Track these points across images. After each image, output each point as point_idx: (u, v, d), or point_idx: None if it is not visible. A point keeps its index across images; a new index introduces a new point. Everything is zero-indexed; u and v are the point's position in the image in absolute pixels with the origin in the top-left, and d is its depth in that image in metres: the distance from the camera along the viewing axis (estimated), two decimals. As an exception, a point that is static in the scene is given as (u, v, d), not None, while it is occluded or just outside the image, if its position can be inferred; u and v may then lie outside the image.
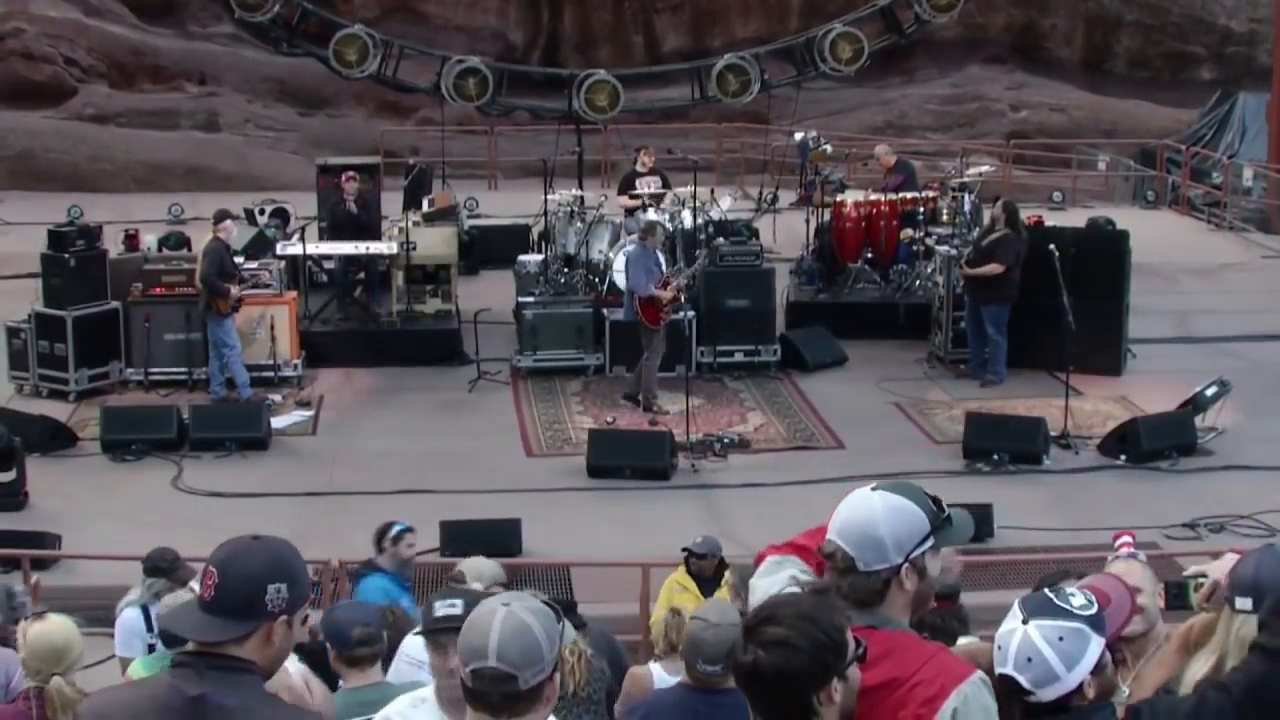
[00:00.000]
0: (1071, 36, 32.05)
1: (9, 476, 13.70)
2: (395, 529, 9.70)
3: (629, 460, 14.59)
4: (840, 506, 3.68)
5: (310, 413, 16.29)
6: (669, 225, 17.95)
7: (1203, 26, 31.88)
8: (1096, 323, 16.34)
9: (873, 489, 3.68)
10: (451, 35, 29.18)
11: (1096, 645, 3.50)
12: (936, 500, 3.70)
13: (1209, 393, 15.40)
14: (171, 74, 29.56)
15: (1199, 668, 4.18)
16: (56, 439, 15.10)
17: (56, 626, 6.16)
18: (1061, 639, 3.45)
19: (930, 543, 3.64)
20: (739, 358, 17.51)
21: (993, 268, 16.59)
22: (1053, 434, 15.07)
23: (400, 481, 14.30)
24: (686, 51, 29.47)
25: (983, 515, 12.92)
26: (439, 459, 14.98)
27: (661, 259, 16.21)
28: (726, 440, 15.28)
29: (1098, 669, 3.49)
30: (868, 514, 3.61)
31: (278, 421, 15.81)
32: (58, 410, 15.90)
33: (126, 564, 11.65)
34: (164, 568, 8.40)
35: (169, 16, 29.94)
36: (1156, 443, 14.79)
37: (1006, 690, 3.52)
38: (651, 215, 18.33)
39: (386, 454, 15.10)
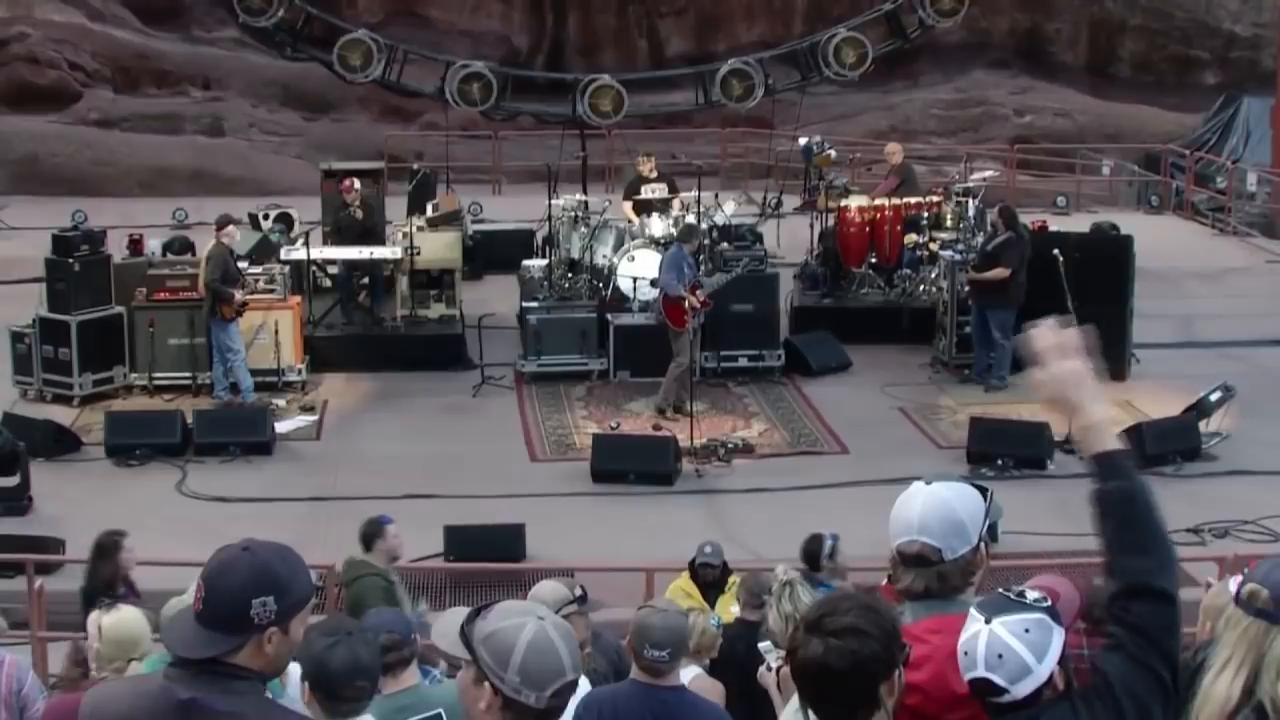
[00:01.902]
0: (1076, 40, 32.04)
1: (13, 481, 13.70)
2: (829, 542, 9.33)
3: (633, 465, 14.58)
4: (904, 509, 3.79)
5: (314, 417, 16.30)
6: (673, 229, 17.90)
7: (1207, 30, 31.87)
8: (1100, 327, 16.05)
9: (926, 483, 3.84)
10: (456, 39, 29.20)
11: (1059, 636, 3.53)
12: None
13: (1213, 397, 15.38)
14: (176, 78, 29.60)
15: (1224, 686, 4.09)
16: (60, 443, 15.11)
17: (131, 615, 6.28)
18: (1028, 630, 3.48)
19: (989, 518, 3.85)
20: (743, 362, 17.51)
21: (998, 272, 16.59)
22: (1057, 438, 15.05)
23: (404, 486, 14.30)
24: (690, 56, 29.46)
25: (987, 520, 12.91)
26: (443, 463, 14.98)
27: (693, 262, 16.11)
28: (731, 445, 15.27)
29: (1062, 660, 3.52)
30: (942, 503, 3.78)
31: (282, 426, 15.82)
32: (62, 415, 15.92)
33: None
34: (109, 548, 8.47)
35: (173, 21, 29.97)
36: (1160, 448, 14.77)
37: (975, 697, 3.53)
38: (655, 221, 18.34)
39: (390, 458, 15.10)
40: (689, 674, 7.11)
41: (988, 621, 3.49)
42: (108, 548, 9.41)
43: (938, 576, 3.75)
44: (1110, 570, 3.64)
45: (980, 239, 17.94)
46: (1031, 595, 3.58)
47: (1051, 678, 3.49)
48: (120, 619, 6.23)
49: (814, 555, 9.28)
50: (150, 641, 6.27)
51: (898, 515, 3.80)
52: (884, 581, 4.10)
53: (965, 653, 3.49)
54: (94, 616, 6.35)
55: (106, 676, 6.05)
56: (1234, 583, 4.87)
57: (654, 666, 5.85)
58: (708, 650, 7.61)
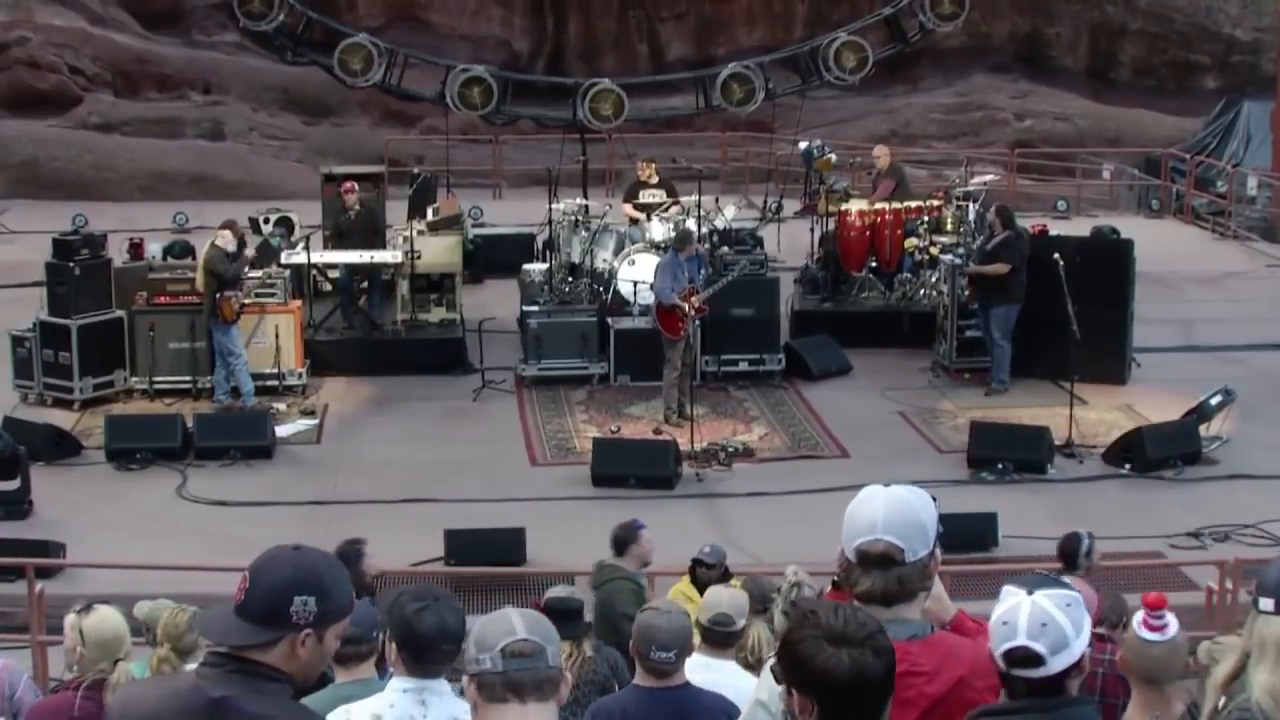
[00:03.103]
0: (1076, 45, 32.06)
1: (13, 485, 13.69)
2: (1086, 541, 9.14)
3: (633, 469, 14.57)
4: (865, 509, 3.73)
5: (314, 421, 16.29)
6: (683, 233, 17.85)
7: (1207, 35, 31.89)
8: (1101, 332, 16.34)
9: (885, 486, 3.78)
10: (456, 44, 29.22)
11: (1089, 620, 3.56)
12: None
13: (1213, 401, 15.38)
14: (176, 82, 29.59)
15: (1224, 667, 4.21)
16: (61, 447, 15.10)
17: (110, 615, 6.26)
18: (1068, 605, 3.50)
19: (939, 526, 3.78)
20: (744, 367, 17.49)
21: (998, 267, 16.58)
22: (1057, 443, 15.06)
23: (404, 490, 14.31)
24: (691, 60, 29.49)
25: (987, 524, 12.93)
26: (443, 468, 14.97)
27: (686, 269, 16.08)
28: (731, 449, 15.26)
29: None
30: (905, 504, 3.72)
31: (282, 430, 15.82)
32: (62, 419, 15.91)
33: (131, 572, 11.71)
34: (351, 557, 8.47)
35: (174, 25, 29.98)
36: (1161, 452, 14.76)
37: (1007, 670, 3.53)
38: (656, 225, 18.35)
39: (391, 462, 15.09)
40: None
41: (1030, 593, 3.51)
42: (350, 556, 9.16)
43: (898, 579, 3.68)
44: None
45: (979, 241, 17.94)
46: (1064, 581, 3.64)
47: (1081, 659, 3.51)
48: (100, 620, 6.20)
49: (1071, 554, 9.14)
50: (130, 641, 6.26)
51: (857, 515, 3.72)
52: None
53: (1005, 623, 3.49)
54: (72, 620, 6.33)
55: (90, 679, 6.05)
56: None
57: (661, 668, 5.85)
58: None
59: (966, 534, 12.37)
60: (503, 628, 3.40)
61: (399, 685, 4.75)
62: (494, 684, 3.36)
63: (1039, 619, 3.46)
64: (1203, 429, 15.21)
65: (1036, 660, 3.46)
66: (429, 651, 4.78)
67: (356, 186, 18.92)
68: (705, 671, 6.36)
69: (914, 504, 3.72)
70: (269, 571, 3.52)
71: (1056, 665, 3.47)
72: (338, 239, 18.92)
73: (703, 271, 16.35)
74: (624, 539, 9.63)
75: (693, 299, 15.71)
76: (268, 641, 3.48)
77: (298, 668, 3.54)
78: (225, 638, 3.51)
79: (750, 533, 13.18)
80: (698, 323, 16.13)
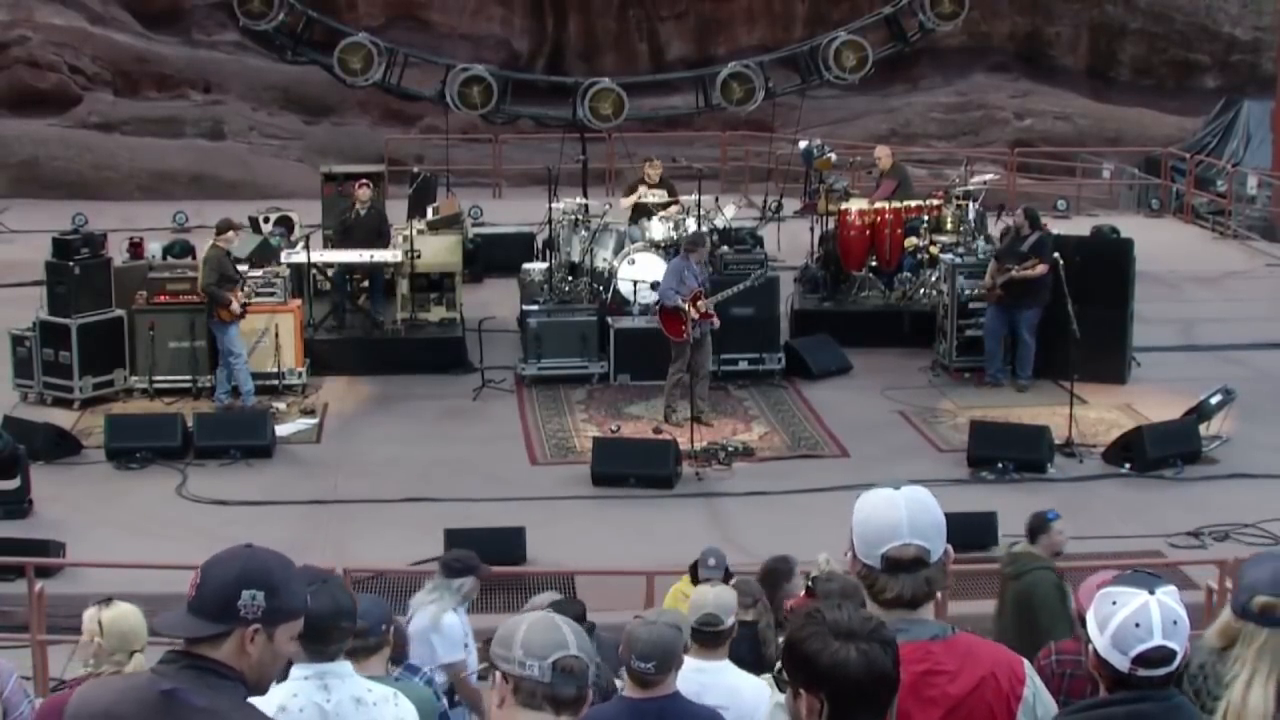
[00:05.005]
0: (1076, 44, 32.05)
1: (13, 484, 13.69)
2: None
3: (633, 468, 14.56)
4: (888, 514, 3.67)
5: (314, 420, 16.29)
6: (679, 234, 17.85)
7: (1207, 34, 31.88)
8: (1101, 331, 16.34)
9: (895, 488, 3.73)
10: (456, 43, 29.21)
11: None
12: None
13: (1213, 401, 15.39)
14: (176, 82, 29.59)
15: (1259, 699, 4.10)
16: (61, 447, 15.10)
17: (129, 610, 6.33)
18: (1178, 599, 3.56)
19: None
20: (743, 366, 17.49)
21: (1041, 268, 16.55)
22: (1057, 442, 15.06)
23: (404, 489, 14.31)
24: (691, 59, 29.49)
25: (987, 523, 12.92)
26: (443, 467, 14.97)
27: (699, 271, 16.00)
28: (731, 448, 15.26)
29: None
30: (925, 506, 3.71)
31: (282, 429, 15.82)
32: (62, 418, 15.91)
33: (131, 572, 11.71)
34: (473, 565, 8.52)
35: (174, 24, 29.96)
36: (1161, 451, 14.77)
37: (1131, 671, 3.54)
38: (656, 225, 18.35)
39: (390, 462, 15.09)
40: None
41: (1151, 592, 3.54)
42: (782, 571, 8.91)
43: (926, 580, 3.66)
44: None
45: (1003, 244, 17.91)
46: None
47: (1186, 651, 3.57)
48: (119, 614, 6.30)
49: None
50: (146, 637, 6.30)
51: (882, 520, 3.66)
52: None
53: (1137, 624, 3.51)
54: (91, 613, 6.40)
55: (107, 672, 6.08)
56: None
57: (641, 678, 5.85)
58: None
59: (966, 533, 12.35)
60: (555, 640, 3.40)
61: (299, 673, 4.80)
62: (535, 691, 3.38)
63: (1170, 617, 3.51)
64: (1203, 428, 15.22)
65: (1171, 658, 3.50)
66: (328, 632, 4.85)
67: (371, 184, 18.90)
68: (698, 675, 6.32)
69: (929, 504, 3.71)
70: (219, 566, 3.60)
71: (1178, 660, 3.52)
72: (342, 234, 18.87)
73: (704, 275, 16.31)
74: (1036, 528, 9.43)
75: (699, 303, 15.67)
76: (217, 635, 3.54)
77: (249, 666, 3.59)
78: (174, 630, 3.58)
79: (750, 532, 13.17)
80: (706, 327, 15.94)
